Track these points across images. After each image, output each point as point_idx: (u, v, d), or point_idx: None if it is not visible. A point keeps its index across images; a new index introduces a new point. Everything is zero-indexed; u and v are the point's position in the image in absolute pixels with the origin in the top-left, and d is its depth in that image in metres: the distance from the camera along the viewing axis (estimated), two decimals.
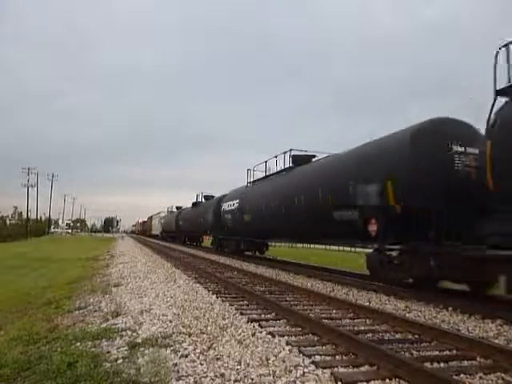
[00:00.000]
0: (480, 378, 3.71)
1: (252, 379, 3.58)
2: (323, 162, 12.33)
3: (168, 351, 4.34)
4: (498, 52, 6.63)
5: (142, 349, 4.45)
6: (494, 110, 6.75)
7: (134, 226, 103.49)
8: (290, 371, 3.76)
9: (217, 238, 23.92)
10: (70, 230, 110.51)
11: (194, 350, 4.38)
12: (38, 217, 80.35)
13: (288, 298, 7.83)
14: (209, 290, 8.48)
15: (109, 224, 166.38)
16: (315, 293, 8.15)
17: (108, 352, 4.37)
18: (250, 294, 7.79)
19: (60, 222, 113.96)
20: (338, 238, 13.08)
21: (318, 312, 6.55)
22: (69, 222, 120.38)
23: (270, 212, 14.53)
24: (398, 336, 5.16)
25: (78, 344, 4.64)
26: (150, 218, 60.99)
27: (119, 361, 4.10)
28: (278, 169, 15.45)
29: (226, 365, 3.93)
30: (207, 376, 3.64)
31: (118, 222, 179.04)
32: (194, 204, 30.61)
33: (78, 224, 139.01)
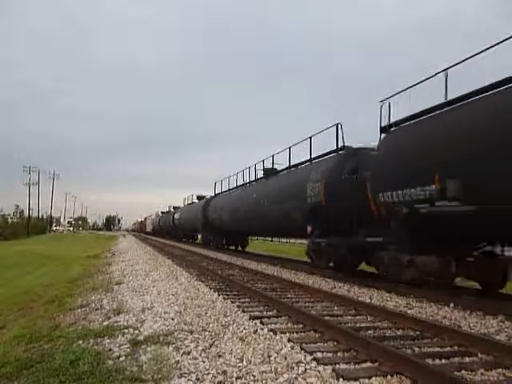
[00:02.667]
0: (481, 374, 3.72)
1: (254, 376, 3.59)
2: (283, 175, 15.62)
3: (170, 348, 4.35)
4: (382, 105, 9.39)
5: (144, 346, 4.46)
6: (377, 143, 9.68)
7: (134, 224, 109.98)
8: (292, 368, 3.77)
9: (205, 235, 27.27)
10: (71, 228, 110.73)
11: (196, 347, 4.40)
12: (40, 215, 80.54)
13: (289, 295, 7.84)
14: (210, 288, 8.50)
15: (110, 222, 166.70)
16: (317, 290, 8.16)
17: (110, 350, 4.38)
18: (250, 290, 7.80)
19: (61, 220, 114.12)
20: (291, 236, 17.48)
21: (320, 309, 6.56)
22: (70, 220, 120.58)
23: (244, 213, 17.79)
24: (399, 333, 5.16)
25: (81, 342, 4.66)
26: (145, 219, 73.29)
27: (121, 358, 4.11)
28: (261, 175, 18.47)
29: (227, 362, 3.94)
30: (209, 373, 3.66)
31: (119, 220, 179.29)
32: (189, 204, 34.43)
33: (80, 222, 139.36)
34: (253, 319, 5.65)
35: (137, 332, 5.06)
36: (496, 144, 6.16)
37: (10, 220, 74.04)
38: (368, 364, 3.93)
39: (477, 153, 6.45)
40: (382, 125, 9.42)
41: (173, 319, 5.67)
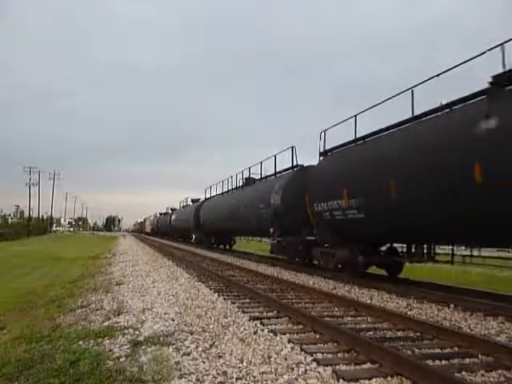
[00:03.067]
0: (482, 375, 3.72)
1: (254, 377, 3.59)
2: (255, 185, 18.21)
3: (170, 349, 4.35)
4: (321, 133, 12.00)
5: (144, 347, 4.46)
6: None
7: (134, 225, 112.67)
8: (292, 369, 3.77)
9: (198, 235, 30.55)
10: (71, 229, 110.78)
11: (196, 348, 4.40)
12: (40, 216, 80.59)
13: (289, 296, 7.84)
14: (210, 289, 8.50)
15: (110, 223, 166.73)
16: (317, 290, 8.16)
17: (110, 350, 4.38)
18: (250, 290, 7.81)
19: (62, 220, 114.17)
20: (263, 235, 19.16)
21: (320, 310, 6.56)
22: (71, 220, 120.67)
23: (227, 216, 20.59)
24: (399, 334, 5.16)
25: (81, 342, 4.66)
26: (145, 220, 76.45)
27: (122, 359, 4.11)
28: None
29: (228, 363, 3.94)
30: (209, 374, 3.66)
31: (119, 220, 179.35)
32: (183, 207, 37.42)
33: (80, 223, 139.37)
34: (253, 320, 5.66)
35: (137, 333, 5.06)
36: (375, 173, 8.94)
37: (10, 220, 74.11)
38: (368, 365, 3.93)
39: (366, 178, 9.25)
40: (321, 150, 12.14)
41: (173, 320, 5.67)
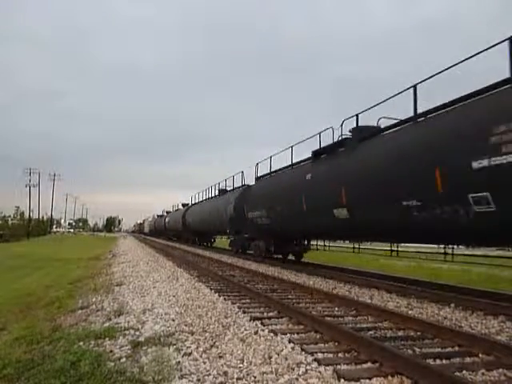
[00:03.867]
0: (482, 374, 3.72)
1: (255, 377, 3.59)
2: (224, 196, 22.87)
3: (171, 350, 4.35)
4: (256, 164, 17.67)
5: (144, 347, 4.47)
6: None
7: (134, 226, 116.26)
8: (293, 369, 3.77)
9: (185, 235, 35.40)
10: (72, 230, 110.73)
11: (197, 348, 4.40)
12: (40, 217, 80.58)
13: (290, 296, 7.84)
14: (211, 289, 8.50)
15: (111, 223, 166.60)
16: (317, 290, 8.16)
17: (111, 351, 4.38)
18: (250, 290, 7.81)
19: (62, 221, 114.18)
20: (225, 234, 24.87)
21: (320, 309, 6.56)
22: (71, 221, 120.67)
23: (203, 219, 26.14)
24: (400, 333, 5.16)
25: (81, 343, 4.66)
26: (143, 221, 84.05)
27: (122, 360, 4.11)
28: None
29: (228, 363, 3.94)
30: (210, 374, 3.66)
31: (119, 221, 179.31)
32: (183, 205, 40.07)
33: (80, 224, 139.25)
34: (253, 320, 5.65)
35: (137, 333, 5.06)
36: (273, 194, 14.45)
37: (10, 222, 74.07)
38: (369, 364, 3.93)
39: (271, 199, 14.50)
40: (255, 177, 17.67)
41: (173, 320, 5.67)
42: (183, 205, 39.27)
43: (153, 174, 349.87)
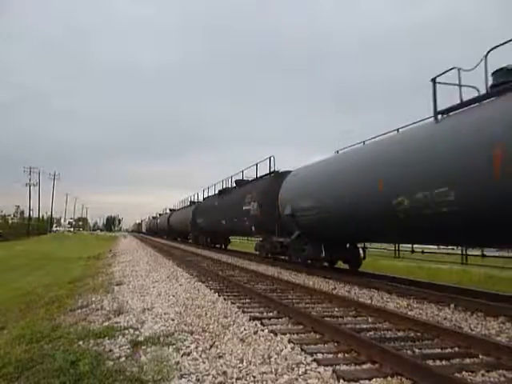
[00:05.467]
0: (482, 375, 3.72)
1: (254, 377, 3.58)
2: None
3: (170, 349, 4.35)
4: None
5: (144, 347, 4.47)
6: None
7: (133, 225, 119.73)
8: (292, 369, 3.77)
9: (169, 234, 42.95)
10: (72, 229, 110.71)
11: (197, 348, 4.40)
12: (40, 216, 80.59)
13: (290, 296, 7.83)
14: (211, 289, 8.50)
15: (111, 223, 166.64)
16: (317, 291, 8.16)
17: (111, 350, 4.38)
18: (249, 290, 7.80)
19: (62, 220, 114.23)
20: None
21: (320, 310, 6.56)
22: (71, 220, 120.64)
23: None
24: (400, 334, 5.16)
25: (81, 342, 4.66)
26: (142, 221, 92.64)
27: (122, 359, 4.11)
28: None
29: (228, 363, 3.94)
30: (209, 374, 3.66)
31: (119, 220, 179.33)
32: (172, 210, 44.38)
33: (80, 223, 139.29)
34: (253, 320, 5.65)
35: (137, 333, 5.06)
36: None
37: (10, 221, 74.07)
38: (368, 365, 3.92)
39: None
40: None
41: (173, 320, 5.67)
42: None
43: (153, 173, 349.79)
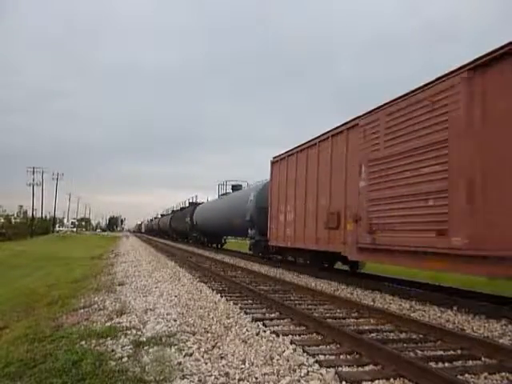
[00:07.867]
0: (485, 377, 3.70)
1: (256, 378, 3.58)
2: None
3: (172, 350, 4.35)
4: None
5: (146, 347, 4.47)
6: None
7: (135, 226, 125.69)
8: (294, 370, 3.77)
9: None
10: (74, 229, 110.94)
11: (199, 348, 4.39)
12: (43, 216, 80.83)
13: (292, 297, 7.83)
14: (213, 289, 8.50)
15: (113, 223, 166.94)
16: (319, 292, 8.15)
17: (113, 350, 4.38)
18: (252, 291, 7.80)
19: (65, 220, 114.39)
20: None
21: (322, 311, 6.55)
22: (74, 220, 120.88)
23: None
24: (402, 336, 5.14)
25: (83, 342, 4.66)
26: (142, 222, 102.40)
27: (124, 359, 4.11)
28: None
29: (230, 364, 3.94)
30: (211, 375, 3.65)
31: (122, 220, 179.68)
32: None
33: (83, 223, 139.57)
34: (255, 321, 5.65)
35: (139, 333, 5.06)
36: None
37: (13, 220, 74.33)
38: (371, 367, 3.92)
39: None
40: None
41: (175, 320, 5.67)
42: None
43: (153, 173, 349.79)
